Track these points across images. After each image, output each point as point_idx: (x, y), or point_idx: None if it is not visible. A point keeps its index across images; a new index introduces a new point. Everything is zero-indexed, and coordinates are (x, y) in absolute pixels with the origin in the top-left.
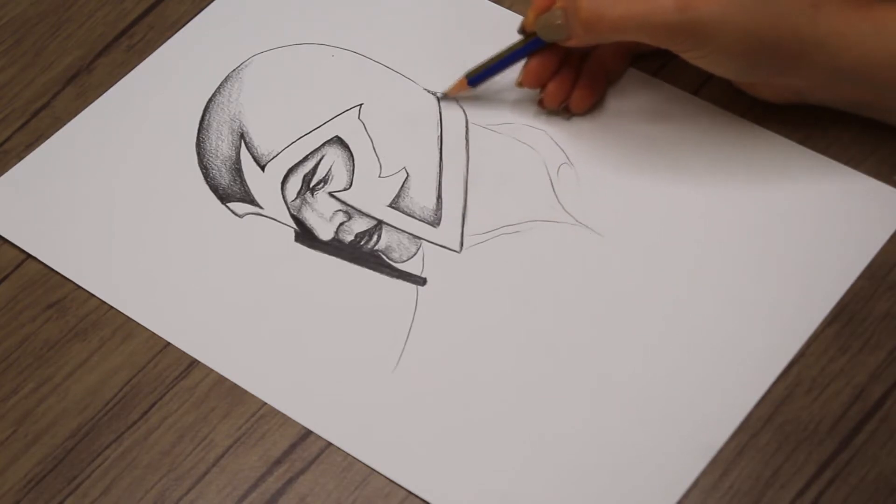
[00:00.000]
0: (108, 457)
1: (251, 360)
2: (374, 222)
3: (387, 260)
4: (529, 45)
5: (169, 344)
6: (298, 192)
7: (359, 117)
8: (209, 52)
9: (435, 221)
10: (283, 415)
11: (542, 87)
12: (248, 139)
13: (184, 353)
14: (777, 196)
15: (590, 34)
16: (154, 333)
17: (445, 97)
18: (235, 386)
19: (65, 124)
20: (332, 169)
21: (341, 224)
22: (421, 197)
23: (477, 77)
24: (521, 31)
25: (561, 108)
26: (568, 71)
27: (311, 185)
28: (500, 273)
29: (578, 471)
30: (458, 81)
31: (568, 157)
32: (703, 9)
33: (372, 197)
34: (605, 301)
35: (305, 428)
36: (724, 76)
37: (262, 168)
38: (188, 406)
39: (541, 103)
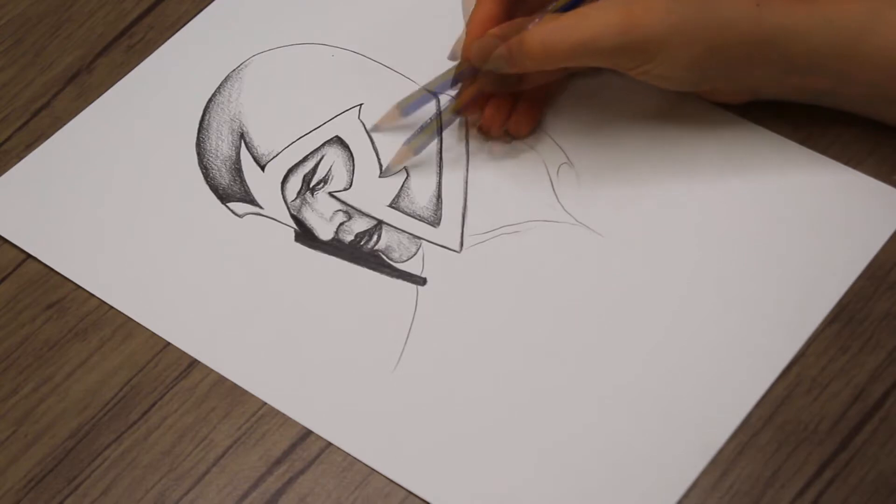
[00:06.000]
0: (108, 457)
1: (251, 360)
2: (374, 222)
3: (387, 260)
4: (464, 73)
5: (169, 344)
6: (298, 192)
7: (359, 117)
8: (209, 52)
9: (435, 221)
10: (283, 415)
11: (481, 112)
12: (248, 139)
13: (184, 353)
14: (777, 196)
15: (535, 65)
16: (154, 333)
17: (376, 129)
18: (235, 386)
19: (65, 124)
20: (332, 169)
21: (341, 224)
22: (421, 197)
23: (410, 107)
24: (453, 57)
25: (502, 133)
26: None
27: (311, 185)
28: (500, 273)
29: (578, 470)
30: (389, 112)
31: (568, 157)
32: (648, 26)
33: (372, 197)
34: (604, 301)
35: (305, 428)
36: (674, 89)
37: (262, 168)
38: (188, 406)
39: (480, 129)
